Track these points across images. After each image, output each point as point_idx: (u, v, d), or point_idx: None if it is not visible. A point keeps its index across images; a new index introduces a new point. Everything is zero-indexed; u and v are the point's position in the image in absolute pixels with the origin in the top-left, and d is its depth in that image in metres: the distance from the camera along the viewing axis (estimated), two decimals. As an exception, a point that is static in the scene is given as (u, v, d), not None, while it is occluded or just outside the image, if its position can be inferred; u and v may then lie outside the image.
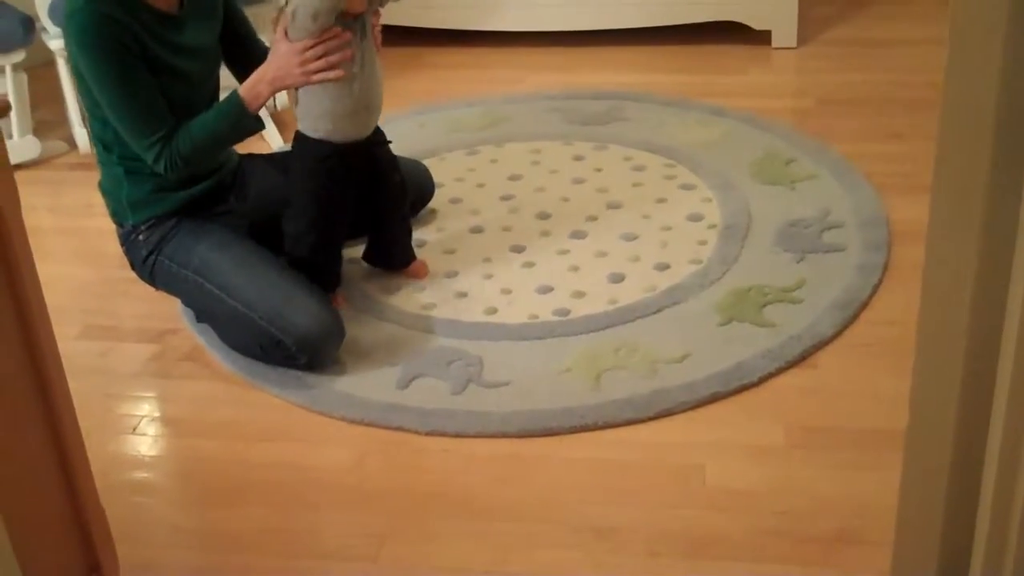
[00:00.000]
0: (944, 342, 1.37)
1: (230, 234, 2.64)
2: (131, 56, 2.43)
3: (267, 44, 2.68)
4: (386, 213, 2.78)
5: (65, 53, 2.46)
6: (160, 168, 2.51)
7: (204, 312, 2.70)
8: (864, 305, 2.66)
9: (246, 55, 2.76)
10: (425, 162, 3.19)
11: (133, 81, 2.44)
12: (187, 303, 2.76)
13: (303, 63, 2.49)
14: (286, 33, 2.51)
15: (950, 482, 1.45)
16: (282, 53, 2.51)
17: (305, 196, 2.63)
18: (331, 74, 2.50)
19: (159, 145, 2.48)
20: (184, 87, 2.57)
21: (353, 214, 2.71)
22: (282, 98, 3.82)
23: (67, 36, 2.45)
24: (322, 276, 2.66)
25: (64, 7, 2.44)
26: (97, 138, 2.59)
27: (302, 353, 2.51)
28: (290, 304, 2.50)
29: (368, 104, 2.59)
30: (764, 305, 2.66)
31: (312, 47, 2.48)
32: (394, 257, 2.86)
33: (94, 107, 2.51)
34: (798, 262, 2.82)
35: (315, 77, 2.50)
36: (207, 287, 2.57)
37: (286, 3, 2.52)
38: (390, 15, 4.31)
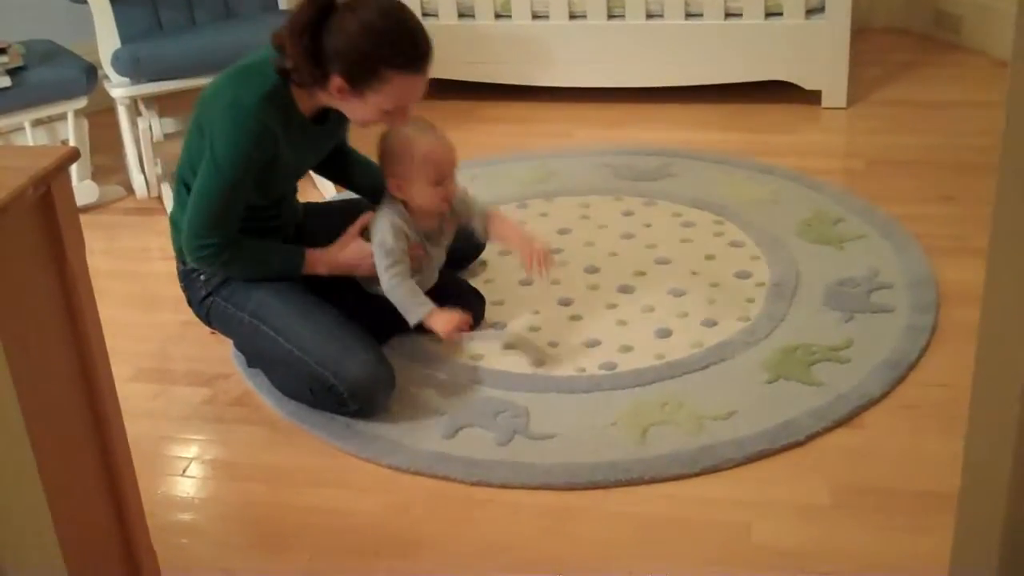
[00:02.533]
0: (999, 403, 1.37)
1: (288, 283, 2.68)
2: (254, 169, 2.49)
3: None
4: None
5: (191, 122, 2.56)
6: (192, 259, 2.58)
7: (256, 356, 2.73)
8: (912, 366, 2.65)
9: (337, 160, 2.88)
10: (475, 214, 3.22)
11: (237, 191, 2.50)
12: (240, 346, 2.80)
13: (372, 266, 2.65)
14: (361, 233, 2.69)
15: (1003, 546, 1.45)
16: (355, 251, 2.68)
17: None
18: None
19: (208, 246, 2.54)
20: (289, 179, 2.68)
21: None
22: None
23: (219, 116, 2.46)
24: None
25: (231, 93, 2.46)
26: (182, 180, 2.63)
27: (354, 400, 2.53)
28: (345, 351, 2.54)
29: (423, 287, 2.71)
30: (812, 364, 2.66)
31: None
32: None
33: (195, 159, 2.55)
34: (846, 322, 2.82)
35: None
36: (263, 329, 2.61)
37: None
38: (443, 69, 4.38)
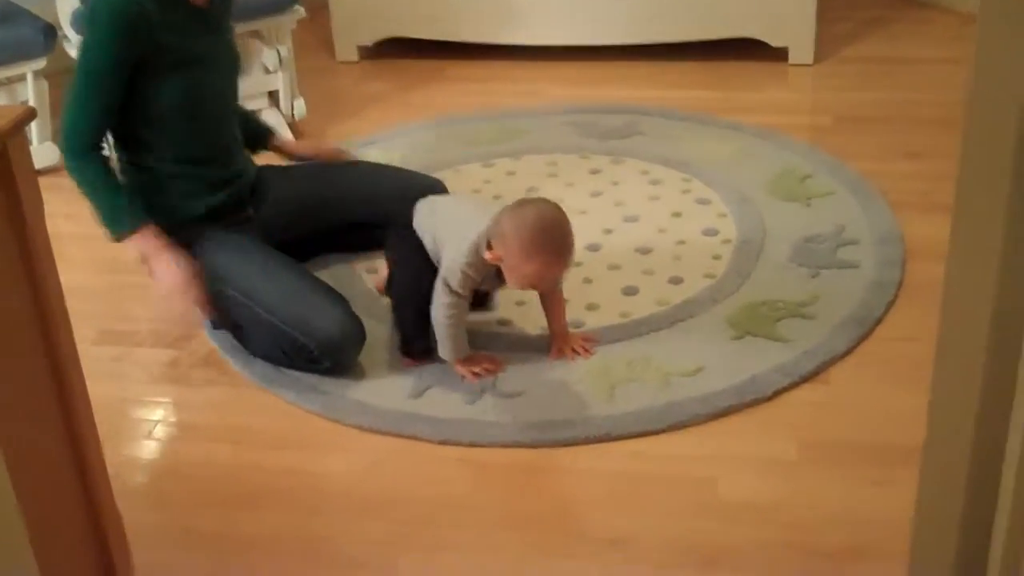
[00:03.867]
0: (963, 357, 1.37)
1: (250, 242, 2.66)
2: (127, 62, 2.48)
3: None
4: None
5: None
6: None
7: (223, 319, 2.71)
8: (878, 321, 2.66)
9: None
10: (442, 174, 3.20)
11: (98, 82, 2.49)
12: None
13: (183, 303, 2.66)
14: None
15: (966, 497, 1.45)
16: (171, 276, 2.61)
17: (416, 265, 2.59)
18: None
19: (66, 151, 2.55)
20: (213, 76, 2.64)
21: None
22: (300, 108, 3.84)
23: (89, 14, 2.50)
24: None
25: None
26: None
27: (325, 357, 2.52)
28: (314, 309, 2.52)
29: None
30: (778, 320, 2.66)
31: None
32: None
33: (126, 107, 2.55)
34: (812, 278, 2.82)
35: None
36: (228, 293, 2.59)
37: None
38: (408, 28, 4.34)
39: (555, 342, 2.62)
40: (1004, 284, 1.32)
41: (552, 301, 2.61)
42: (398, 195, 2.78)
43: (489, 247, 2.42)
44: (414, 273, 2.58)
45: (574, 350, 2.59)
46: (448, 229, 2.54)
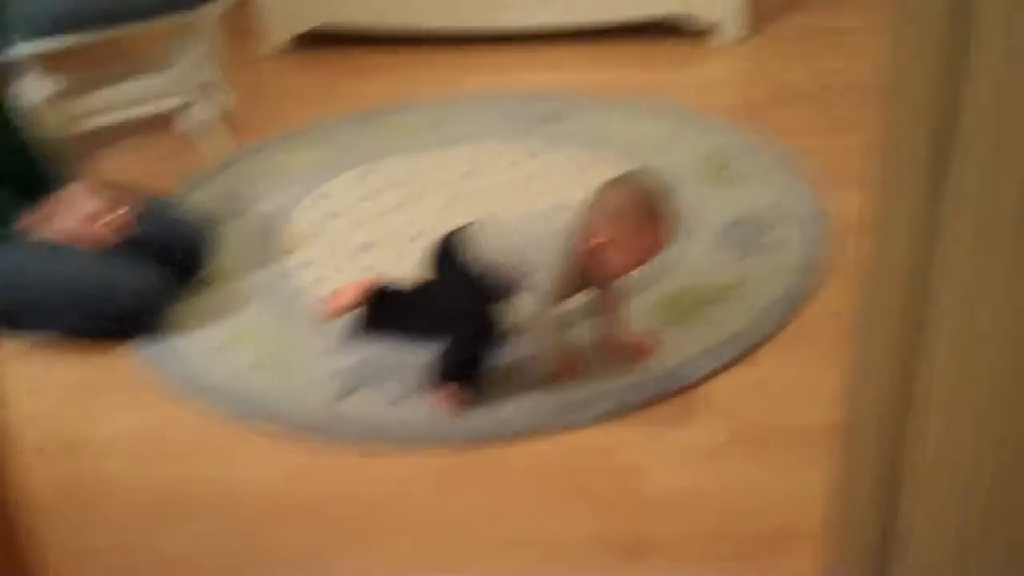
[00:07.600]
0: (876, 334, 1.36)
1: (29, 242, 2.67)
2: None
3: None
4: None
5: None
6: None
7: (18, 315, 2.69)
8: (806, 300, 2.66)
9: None
10: (366, 167, 3.14)
11: None
12: None
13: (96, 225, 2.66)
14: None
15: (878, 472, 1.45)
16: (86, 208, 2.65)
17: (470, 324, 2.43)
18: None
19: None
20: None
21: None
22: (227, 102, 3.76)
23: None
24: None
25: None
26: None
27: (143, 315, 2.65)
28: (123, 274, 2.63)
29: None
30: (706, 304, 2.65)
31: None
32: None
33: None
34: (739, 260, 2.81)
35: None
36: (16, 283, 2.62)
37: None
38: (315, 16, 4.26)
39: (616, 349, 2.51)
40: (914, 260, 1.30)
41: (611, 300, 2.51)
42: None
43: (588, 236, 2.32)
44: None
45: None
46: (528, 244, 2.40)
